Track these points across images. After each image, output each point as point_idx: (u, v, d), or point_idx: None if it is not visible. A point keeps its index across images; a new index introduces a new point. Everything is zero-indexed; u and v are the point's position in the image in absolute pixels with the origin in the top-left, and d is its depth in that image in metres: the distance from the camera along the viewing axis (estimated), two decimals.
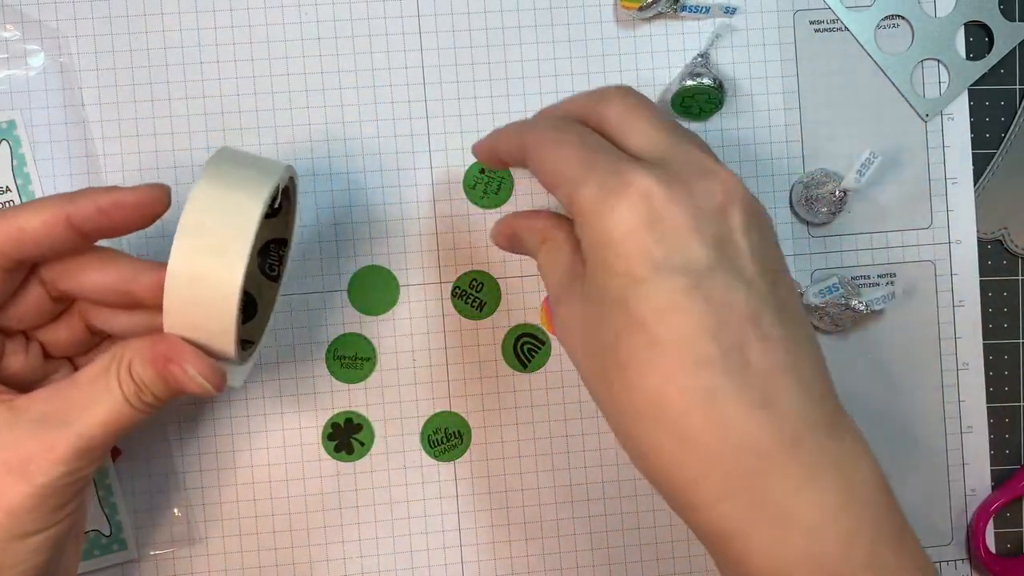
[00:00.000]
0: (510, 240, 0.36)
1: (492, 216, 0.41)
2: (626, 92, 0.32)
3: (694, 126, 0.42)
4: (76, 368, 0.35)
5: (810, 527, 0.27)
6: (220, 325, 0.30)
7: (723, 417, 0.27)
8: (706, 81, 0.40)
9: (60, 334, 0.34)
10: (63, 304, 0.34)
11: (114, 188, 0.31)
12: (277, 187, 0.31)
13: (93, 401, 0.30)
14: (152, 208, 0.31)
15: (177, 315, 0.30)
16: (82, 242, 0.31)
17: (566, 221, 0.33)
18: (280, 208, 0.36)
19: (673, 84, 0.41)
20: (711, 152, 0.31)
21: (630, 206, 0.28)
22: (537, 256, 0.33)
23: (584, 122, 0.32)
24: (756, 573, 0.27)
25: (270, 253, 0.38)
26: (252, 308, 0.37)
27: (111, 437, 0.30)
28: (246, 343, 0.35)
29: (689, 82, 0.40)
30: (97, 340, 0.35)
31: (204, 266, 0.29)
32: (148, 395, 0.30)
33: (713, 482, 0.27)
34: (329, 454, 0.41)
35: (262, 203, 0.30)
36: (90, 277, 0.32)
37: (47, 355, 0.34)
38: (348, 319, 0.41)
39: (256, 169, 0.32)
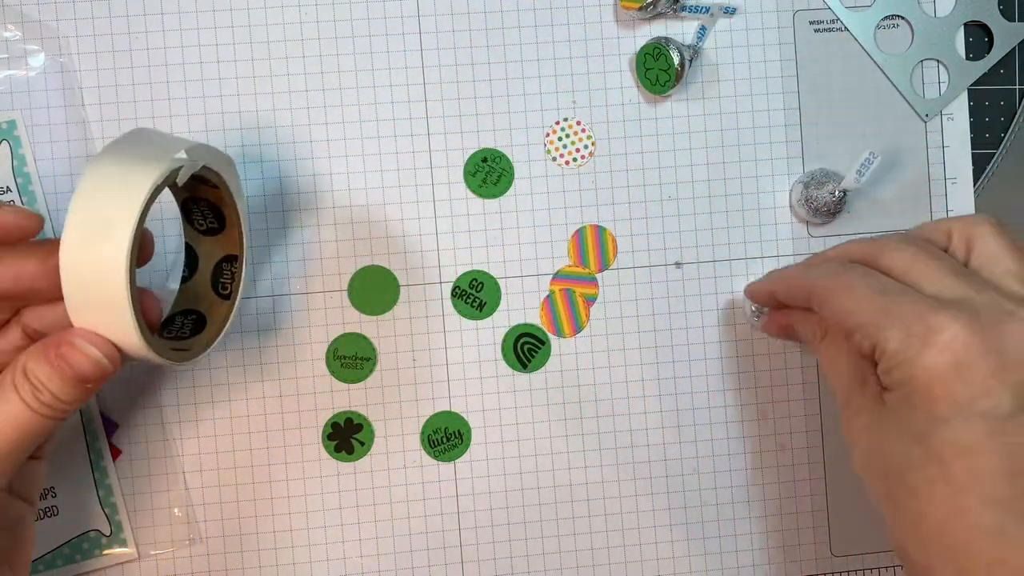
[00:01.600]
0: (784, 330, 0.38)
1: (492, 208, 0.41)
2: (907, 244, 0.33)
3: (656, 100, 0.42)
4: None
5: None
6: (114, 304, 0.29)
7: (1006, 554, 0.28)
8: (673, 54, 0.40)
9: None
10: (4, 314, 0.33)
11: None
12: (179, 167, 0.31)
13: None
14: (15, 232, 0.31)
15: (75, 297, 0.29)
16: None
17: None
18: (224, 220, 0.36)
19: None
20: (1014, 291, 0.32)
21: (938, 352, 0.29)
22: (818, 350, 0.35)
23: (863, 264, 0.34)
24: None
25: (223, 272, 0.37)
26: (202, 323, 0.37)
27: (12, 445, 0.30)
28: (182, 350, 0.35)
29: (658, 44, 0.40)
30: None
31: (91, 246, 0.29)
32: (45, 393, 0.30)
33: None
34: (329, 454, 0.41)
35: (152, 177, 0.30)
36: (14, 271, 0.31)
37: None
38: (348, 319, 0.41)
39: (155, 147, 0.31)
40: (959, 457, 0.28)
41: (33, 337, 0.33)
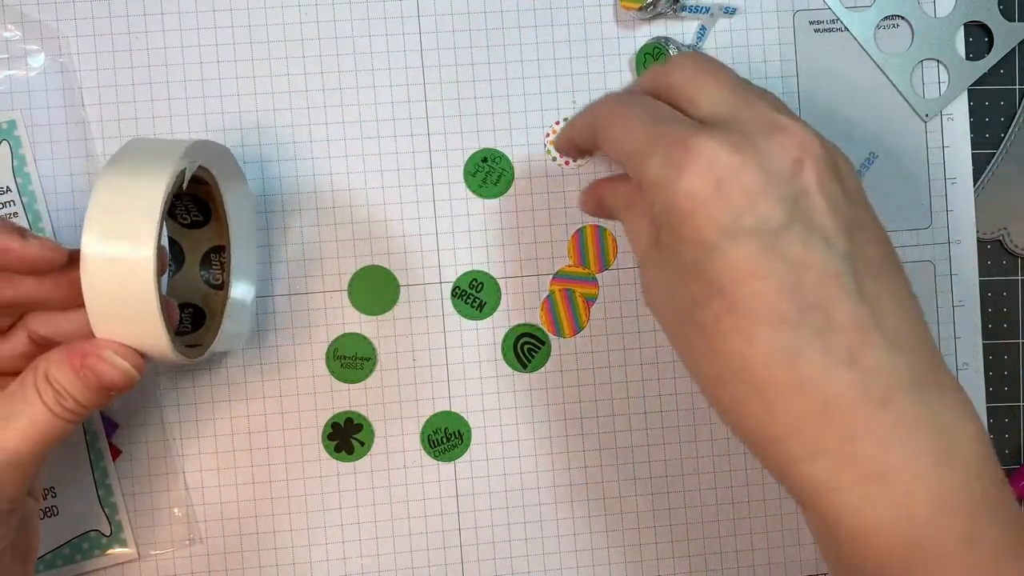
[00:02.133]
0: (598, 205, 0.36)
1: (492, 208, 0.41)
2: (692, 57, 0.31)
3: None
4: None
5: (901, 488, 0.26)
6: (143, 313, 0.30)
7: (806, 375, 0.26)
8: (673, 53, 0.40)
9: (3, 349, 0.33)
10: (7, 318, 0.33)
11: (7, 231, 0.30)
12: (184, 169, 0.31)
13: (11, 414, 0.30)
14: (40, 265, 0.31)
15: (100, 310, 0.30)
16: None
17: None
18: (210, 213, 0.36)
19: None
20: (783, 106, 0.30)
21: (695, 175, 0.27)
22: (624, 221, 0.33)
23: (654, 95, 0.31)
24: (846, 533, 0.27)
25: (211, 264, 0.38)
26: (200, 317, 0.37)
27: (34, 448, 0.30)
28: (194, 346, 0.35)
29: (658, 44, 0.40)
30: (43, 352, 0.34)
31: (115, 259, 0.29)
32: (69, 400, 0.30)
33: (800, 440, 0.27)
34: (329, 454, 0.41)
35: (164, 184, 0.30)
36: (26, 284, 0.31)
37: None
38: (348, 319, 0.41)
39: (157, 153, 0.31)
40: (739, 283, 0.27)
41: (39, 343, 0.33)
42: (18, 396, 0.30)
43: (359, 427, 0.41)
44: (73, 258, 0.31)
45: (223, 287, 0.38)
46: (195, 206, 0.37)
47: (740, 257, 0.27)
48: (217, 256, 0.38)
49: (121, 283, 0.29)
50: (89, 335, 0.31)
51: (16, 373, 0.34)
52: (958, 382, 0.28)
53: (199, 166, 0.34)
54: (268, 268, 0.41)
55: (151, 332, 0.30)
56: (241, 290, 0.39)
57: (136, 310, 0.30)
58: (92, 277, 0.29)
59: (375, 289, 0.41)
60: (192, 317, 0.37)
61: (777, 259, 0.27)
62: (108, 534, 0.40)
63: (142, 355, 0.31)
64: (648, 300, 0.31)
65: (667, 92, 0.31)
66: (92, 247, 0.29)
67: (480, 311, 0.42)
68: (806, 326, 0.26)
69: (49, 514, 0.40)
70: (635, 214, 0.32)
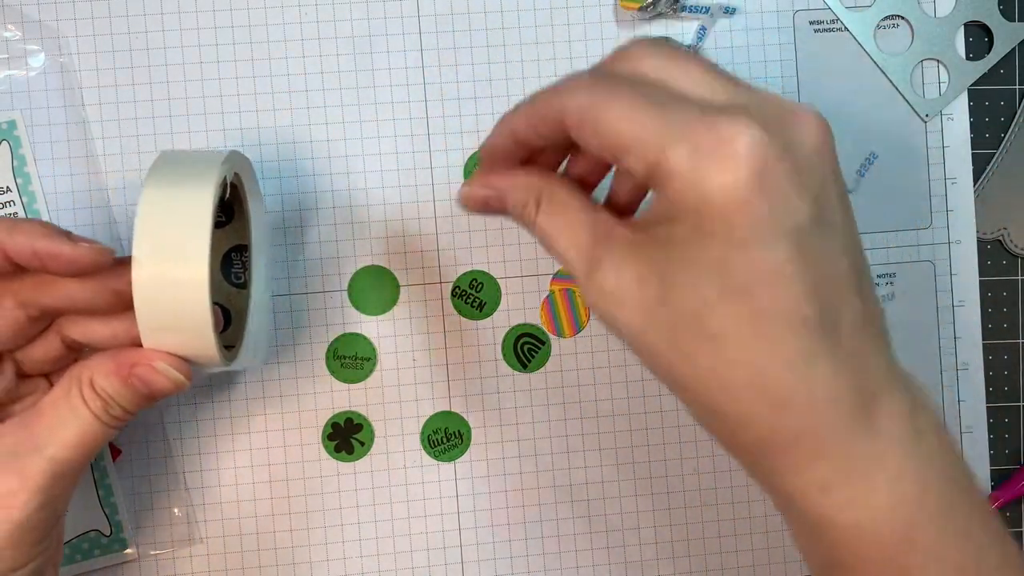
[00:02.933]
0: (486, 202, 0.31)
1: None
2: (653, 43, 0.27)
3: None
4: (52, 386, 0.34)
5: (891, 477, 0.26)
6: (196, 325, 0.30)
7: (817, 378, 0.25)
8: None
9: (35, 352, 0.33)
10: (42, 323, 0.33)
11: (57, 235, 0.30)
12: (225, 178, 0.32)
13: (61, 424, 0.30)
14: (89, 269, 0.30)
15: (151, 322, 0.30)
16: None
17: (559, 175, 0.30)
18: (232, 212, 0.36)
19: None
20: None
21: (734, 166, 0.24)
22: (535, 218, 0.29)
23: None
24: (840, 534, 0.27)
25: (232, 262, 0.38)
26: (227, 317, 0.37)
27: (84, 457, 0.30)
28: (227, 347, 0.35)
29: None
30: (74, 356, 0.34)
31: (167, 272, 0.29)
32: (116, 408, 0.30)
33: (807, 444, 0.26)
34: (329, 454, 0.41)
35: (211, 195, 0.30)
36: (66, 290, 0.31)
37: (21, 374, 0.33)
38: (348, 319, 0.41)
39: (197, 164, 0.32)
40: (769, 285, 0.25)
41: (74, 348, 0.33)
42: (63, 405, 0.30)
43: (359, 427, 0.41)
44: (119, 262, 0.31)
45: (246, 286, 0.38)
46: (219, 208, 0.37)
47: (775, 258, 0.25)
48: (239, 255, 0.38)
49: (174, 296, 0.30)
50: (127, 341, 0.31)
51: (42, 375, 0.34)
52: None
53: (235, 173, 0.34)
54: (268, 268, 0.41)
55: (201, 343, 0.31)
56: (261, 288, 0.39)
57: (188, 322, 0.30)
58: (144, 291, 0.29)
59: (375, 289, 0.41)
60: (222, 317, 0.37)
61: (806, 260, 0.25)
62: (108, 534, 0.40)
63: (189, 361, 0.31)
64: (609, 305, 0.27)
65: (640, 80, 0.27)
66: (144, 262, 0.29)
67: (480, 311, 0.42)
68: (821, 330, 0.25)
69: None
70: (558, 210, 0.29)
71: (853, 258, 0.27)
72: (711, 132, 0.24)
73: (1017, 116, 0.43)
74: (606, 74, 0.28)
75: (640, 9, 0.40)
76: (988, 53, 0.43)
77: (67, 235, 0.30)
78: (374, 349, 0.41)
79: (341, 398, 0.41)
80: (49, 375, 0.34)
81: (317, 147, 0.41)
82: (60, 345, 0.33)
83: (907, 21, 0.42)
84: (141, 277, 0.29)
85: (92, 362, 0.30)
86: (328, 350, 0.41)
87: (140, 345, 0.31)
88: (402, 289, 0.41)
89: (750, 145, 0.24)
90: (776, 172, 0.24)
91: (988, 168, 0.43)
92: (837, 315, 0.26)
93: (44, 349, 0.33)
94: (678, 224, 0.25)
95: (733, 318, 0.25)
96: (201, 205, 0.30)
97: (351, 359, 0.41)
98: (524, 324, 0.42)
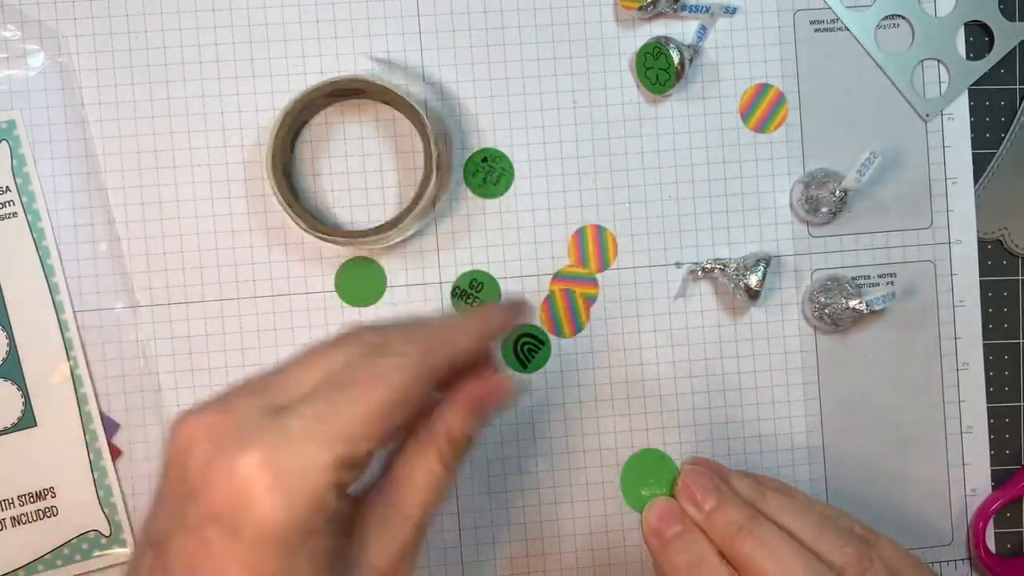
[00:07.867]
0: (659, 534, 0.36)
1: (492, 208, 0.41)
2: (786, 490, 0.38)
3: (656, 99, 0.42)
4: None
5: None
6: None
7: None
8: (673, 53, 0.40)
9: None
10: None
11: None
12: None
13: (421, 491, 0.30)
14: (507, 328, 0.34)
15: None
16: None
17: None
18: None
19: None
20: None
21: None
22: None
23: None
24: None
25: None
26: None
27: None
28: None
29: (658, 44, 0.40)
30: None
31: None
32: (455, 457, 0.31)
33: None
34: None
35: None
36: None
37: None
38: (348, 319, 0.41)
39: None
40: None
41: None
42: (420, 467, 0.30)
43: None
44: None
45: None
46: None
47: None
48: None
49: None
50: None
51: None
52: None
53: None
54: (268, 268, 0.41)
55: None
56: None
57: None
58: None
59: (365, 284, 0.41)
60: None
61: None
62: (108, 534, 0.40)
63: None
64: None
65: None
66: None
67: None
68: None
69: (49, 514, 0.40)
70: None
71: None
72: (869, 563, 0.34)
73: (1017, 116, 0.43)
74: (758, 514, 0.35)
75: (640, 9, 0.40)
76: (988, 53, 0.43)
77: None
78: None
79: None
80: None
81: (317, 147, 0.41)
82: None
83: (907, 21, 0.42)
84: None
85: (444, 418, 0.31)
86: None
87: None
88: (402, 289, 0.41)
89: None
90: None
91: (988, 168, 0.43)
92: None
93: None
94: None
95: None
96: None
97: None
98: (524, 324, 0.42)
